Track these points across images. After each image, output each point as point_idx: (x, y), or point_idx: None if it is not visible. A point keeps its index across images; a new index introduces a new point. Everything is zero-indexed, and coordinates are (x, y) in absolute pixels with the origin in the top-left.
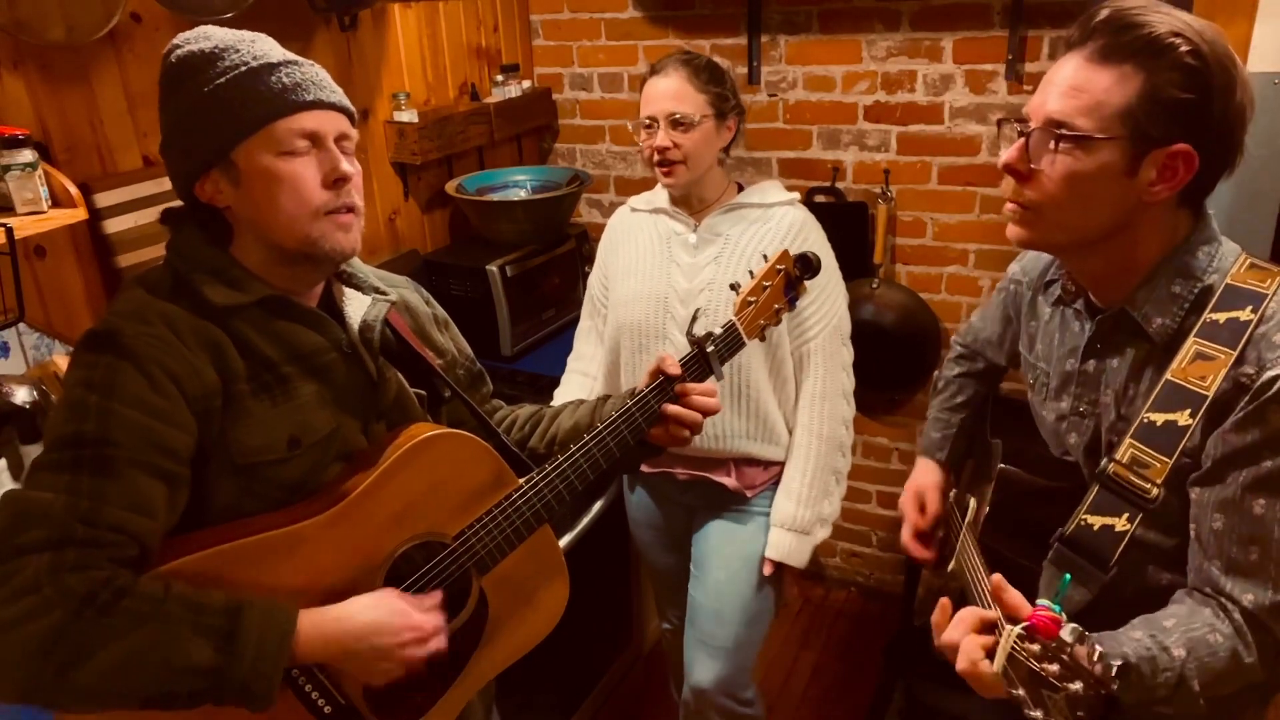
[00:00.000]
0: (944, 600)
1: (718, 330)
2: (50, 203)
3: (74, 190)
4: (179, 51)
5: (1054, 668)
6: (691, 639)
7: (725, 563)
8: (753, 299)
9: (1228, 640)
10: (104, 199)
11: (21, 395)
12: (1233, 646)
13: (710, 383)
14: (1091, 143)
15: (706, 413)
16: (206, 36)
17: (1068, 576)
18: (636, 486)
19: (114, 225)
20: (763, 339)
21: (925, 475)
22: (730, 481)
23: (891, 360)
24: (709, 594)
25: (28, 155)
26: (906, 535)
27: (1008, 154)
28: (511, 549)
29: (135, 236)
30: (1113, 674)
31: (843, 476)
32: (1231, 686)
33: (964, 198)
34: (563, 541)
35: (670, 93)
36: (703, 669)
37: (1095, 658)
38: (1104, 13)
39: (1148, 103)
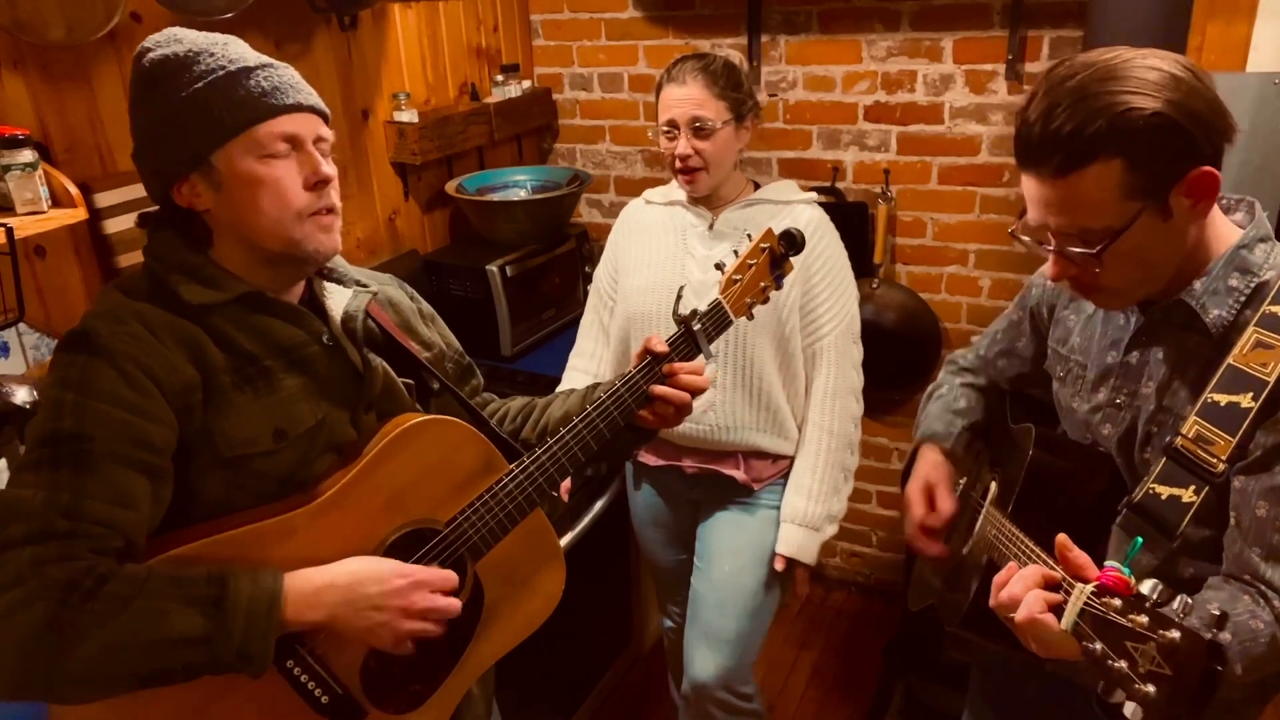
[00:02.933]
0: (1011, 563)
1: (702, 308)
2: (50, 203)
3: (74, 190)
4: (151, 55)
5: (1143, 619)
6: (692, 632)
7: (730, 555)
8: (738, 277)
9: (1268, 627)
10: (104, 199)
11: (21, 395)
12: (1272, 633)
13: (699, 362)
14: (1119, 231)
15: (695, 391)
16: (178, 40)
17: (1139, 540)
18: (642, 483)
19: (114, 225)
20: (750, 317)
21: (934, 468)
22: (739, 474)
23: (891, 360)
24: (713, 585)
25: (28, 155)
26: (912, 529)
27: (1053, 270)
28: (504, 533)
29: (135, 236)
30: (1213, 622)
31: (851, 474)
32: (1268, 671)
33: (964, 198)
34: (564, 540)
35: (692, 100)
36: (703, 662)
37: (1184, 610)
38: (1035, 128)
39: (1141, 172)
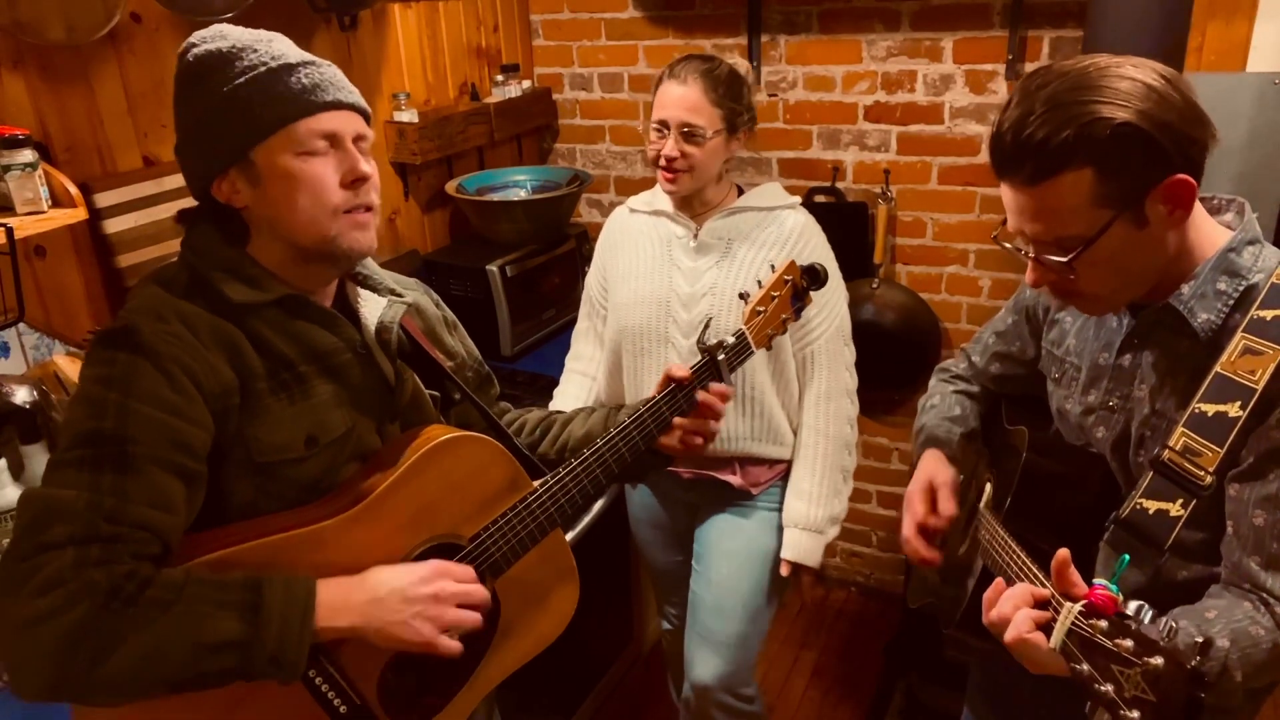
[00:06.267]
0: (998, 580)
1: (729, 339)
2: (50, 203)
3: (74, 190)
4: (196, 50)
5: (1128, 643)
6: (692, 634)
7: (728, 557)
8: (761, 309)
9: (1269, 634)
10: (104, 199)
11: (21, 395)
12: (1274, 639)
13: (724, 386)
14: (1092, 239)
15: (713, 414)
16: (223, 36)
17: (1125, 557)
18: (639, 484)
19: (114, 225)
20: (769, 348)
21: (938, 470)
22: (735, 480)
23: (891, 360)
24: (711, 588)
25: (28, 155)
26: (910, 529)
27: (1031, 276)
28: (525, 552)
29: (135, 236)
30: (1195, 650)
31: (850, 474)
32: (1270, 678)
33: (964, 198)
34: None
35: (686, 103)
36: (704, 665)
37: (1168, 634)
38: (1008, 136)
39: (1111, 181)
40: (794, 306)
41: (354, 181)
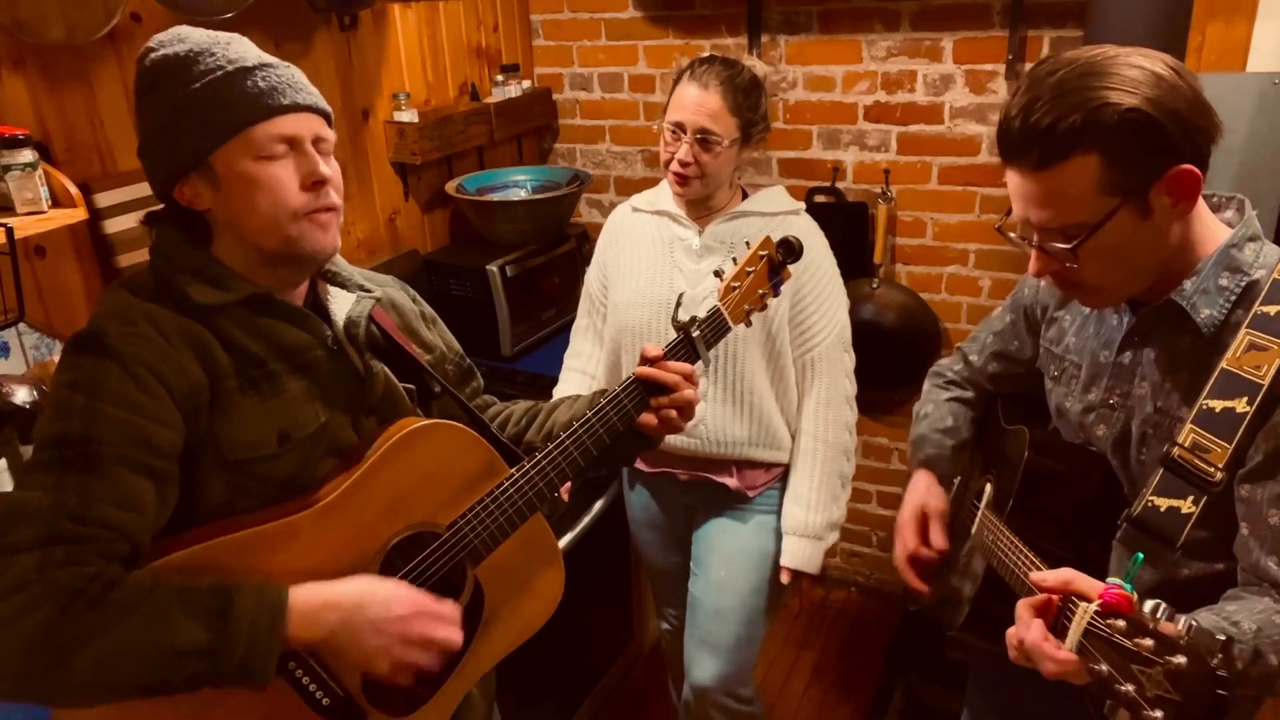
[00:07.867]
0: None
1: (701, 314)
2: (50, 203)
3: (74, 190)
4: (153, 55)
5: (1148, 642)
6: (691, 637)
7: (726, 561)
8: (736, 284)
9: None
10: (104, 199)
11: (21, 395)
12: None
13: (698, 368)
14: (1096, 227)
15: (676, 386)
16: (181, 39)
17: (1140, 556)
18: (637, 485)
19: (114, 225)
20: (749, 324)
21: (930, 496)
22: (732, 482)
23: (891, 360)
24: (709, 591)
25: (28, 155)
26: (901, 560)
27: (1034, 266)
28: (504, 538)
29: (135, 236)
30: (1218, 647)
31: (848, 481)
32: None
33: (964, 198)
34: (563, 541)
35: (706, 109)
36: (702, 668)
37: (1187, 631)
38: (1016, 122)
39: (1118, 167)
40: (771, 281)
41: (314, 184)
